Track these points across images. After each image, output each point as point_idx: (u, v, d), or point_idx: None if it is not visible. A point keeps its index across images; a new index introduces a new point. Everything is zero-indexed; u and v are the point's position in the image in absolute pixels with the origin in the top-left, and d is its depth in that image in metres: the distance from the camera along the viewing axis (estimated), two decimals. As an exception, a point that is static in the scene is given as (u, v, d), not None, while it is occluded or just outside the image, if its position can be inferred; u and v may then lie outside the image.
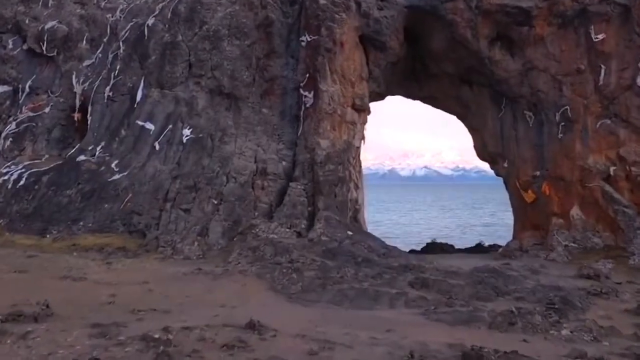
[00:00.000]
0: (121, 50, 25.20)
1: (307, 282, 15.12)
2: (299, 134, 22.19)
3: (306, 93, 22.19)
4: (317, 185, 21.07)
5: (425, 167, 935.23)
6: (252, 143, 22.26)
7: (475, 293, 14.30)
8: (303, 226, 20.08)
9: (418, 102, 26.54)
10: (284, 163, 21.93)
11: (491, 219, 69.14)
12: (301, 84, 22.41)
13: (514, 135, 23.16)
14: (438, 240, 43.88)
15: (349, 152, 22.47)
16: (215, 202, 20.46)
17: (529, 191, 22.51)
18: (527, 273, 16.72)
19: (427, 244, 29.70)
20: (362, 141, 23.88)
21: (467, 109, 24.86)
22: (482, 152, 24.76)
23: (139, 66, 24.47)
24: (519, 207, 23.14)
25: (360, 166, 25.88)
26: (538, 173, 22.33)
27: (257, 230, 19.58)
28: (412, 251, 29.03)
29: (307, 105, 22.11)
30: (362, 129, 23.53)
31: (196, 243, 18.91)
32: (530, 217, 22.60)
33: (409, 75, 25.03)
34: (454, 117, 26.10)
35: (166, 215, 20.39)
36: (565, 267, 18.83)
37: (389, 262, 17.11)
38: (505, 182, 24.18)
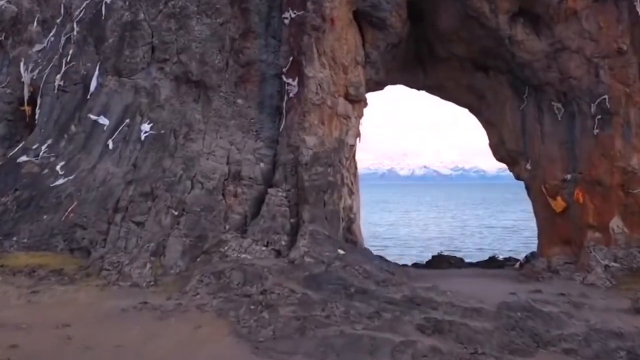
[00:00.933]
0: (75, 33, 21.32)
1: (282, 325, 11.32)
2: (280, 130, 18.38)
3: (289, 80, 18.37)
4: (302, 191, 17.27)
5: (425, 166, 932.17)
6: (224, 141, 18.42)
7: (509, 343, 10.50)
8: (283, 243, 16.26)
9: (422, 94, 22.70)
10: (262, 165, 18.10)
11: (492, 221, 65.95)
12: (284, 70, 18.59)
13: (538, 131, 19.36)
14: (443, 248, 40.46)
15: (342, 152, 18.66)
16: (176, 213, 16.61)
17: (558, 198, 18.68)
18: (570, 309, 12.88)
19: (433, 257, 25.90)
20: (358, 138, 20.07)
21: (481, 100, 21.03)
22: (500, 151, 20.94)
23: (94, 51, 20.59)
24: (545, 218, 19.32)
25: (356, 168, 22.14)
26: (569, 176, 18.51)
27: (227, 248, 15.75)
28: (415, 265, 25.35)
29: (291, 95, 18.28)
30: (358, 124, 19.71)
31: (148, 265, 15.09)
32: (559, 229, 18.78)
33: (412, 60, 21.20)
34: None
35: (115, 229, 16.54)
36: (611, 294, 15.03)
37: (390, 293, 13.29)
38: (527, 187, 20.36)
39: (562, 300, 14.07)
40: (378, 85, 21.03)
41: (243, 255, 15.42)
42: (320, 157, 17.62)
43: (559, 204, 18.69)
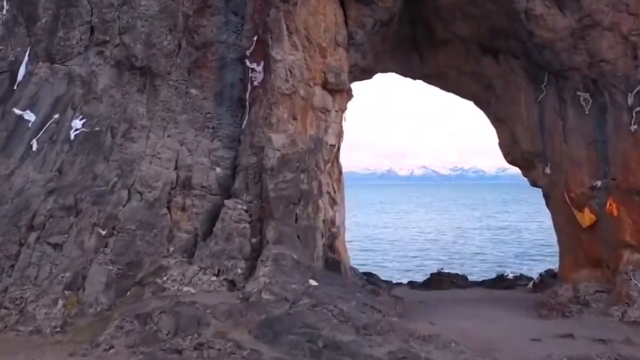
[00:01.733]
0: (4, 12, 17.70)
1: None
2: (243, 127, 14.84)
3: (253, 65, 14.82)
4: (267, 204, 13.73)
5: (424, 167, 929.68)
6: (173, 140, 14.86)
7: None
8: (240, 271, 12.74)
9: (419, 84, 19.09)
10: (218, 170, 14.54)
11: (489, 222, 62.93)
12: (247, 52, 15.04)
13: (560, 127, 15.82)
14: (442, 253, 36.94)
15: (319, 153, 15.12)
16: (103, 232, 13.03)
17: (586, 210, 15.12)
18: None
19: (432, 275, 22.35)
20: (340, 137, 16.54)
21: (489, 90, 17.48)
22: (512, 152, 17.40)
23: (25, 32, 16.96)
24: (569, 234, 15.78)
25: (340, 172, 18.60)
26: (599, 183, 14.97)
27: (165, 278, 12.22)
28: (412, 284, 21.86)
29: (255, 83, 14.74)
30: (340, 119, 16.15)
31: (60, 302, 11.58)
32: (587, 248, 15.26)
33: (406, 42, 17.61)
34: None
35: (27, 252, 12.94)
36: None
37: (372, 346, 9.72)
38: (545, 196, 16.81)
39: (603, 350, 10.55)
40: (365, 73, 17.44)
41: (185, 289, 11.90)
42: (290, 161, 14.07)
43: (586, 217, 15.12)
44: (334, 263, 16.82)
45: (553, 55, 15.24)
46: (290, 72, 14.42)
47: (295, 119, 14.54)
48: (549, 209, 16.89)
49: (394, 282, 23.24)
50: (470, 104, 18.73)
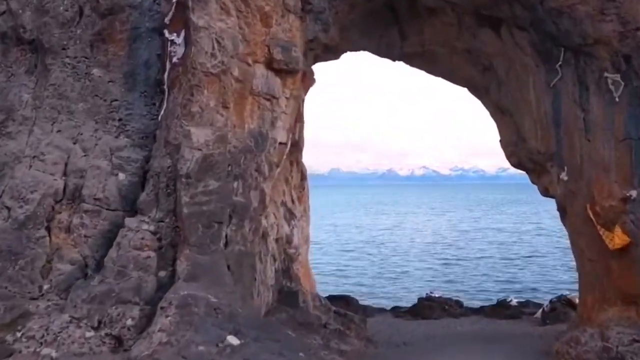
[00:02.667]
0: None
1: None
2: (160, 118, 11.07)
3: (173, 36, 11.04)
4: (181, 223, 9.96)
5: (424, 167, 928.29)
6: (64, 136, 11.09)
7: None
8: (130, 323, 8.95)
9: (399, 66, 15.20)
10: (121, 176, 10.79)
11: (484, 223, 59.81)
12: (166, 20, 11.26)
13: (581, 120, 12.08)
14: (437, 261, 33.26)
15: (261, 154, 11.36)
16: (-56, 264, 9.27)
17: (617, 229, 11.36)
18: None
19: (420, 300, 18.63)
20: (295, 132, 12.82)
21: (489, 74, 13.72)
22: (517, 151, 13.64)
23: None
24: (593, 260, 12.02)
25: (303, 178, 15.08)
26: (634, 193, 11.25)
27: (21, 334, 8.43)
28: (396, 311, 18.26)
29: (175, 60, 10.96)
30: (294, 109, 12.43)
31: None
32: (618, 279, 11.50)
33: (383, 12, 13.81)
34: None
35: None
36: None
37: None
38: (561, 209, 13.01)
39: None
40: (328, 51, 13.62)
41: (45, 351, 8.13)
42: (216, 164, 10.31)
43: (617, 239, 11.34)
44: (289, 295, 13.23)
45: (572, 24, 11.48)
46: (219, 43, 10.65)
47: (226, 107, 10.78)
48: (565, 225, 13.11)
49: (375, 307, 19.57)
50: (464, 93, 14.97)
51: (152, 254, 9.75)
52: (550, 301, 17.17)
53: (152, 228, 9.99)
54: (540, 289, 24.64)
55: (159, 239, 9.98)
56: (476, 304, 22.21)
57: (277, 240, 13.40)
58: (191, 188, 9.93)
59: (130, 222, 10.00)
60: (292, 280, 13.67)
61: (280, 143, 12.12)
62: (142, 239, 9.73)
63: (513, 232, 54.46)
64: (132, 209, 10.44)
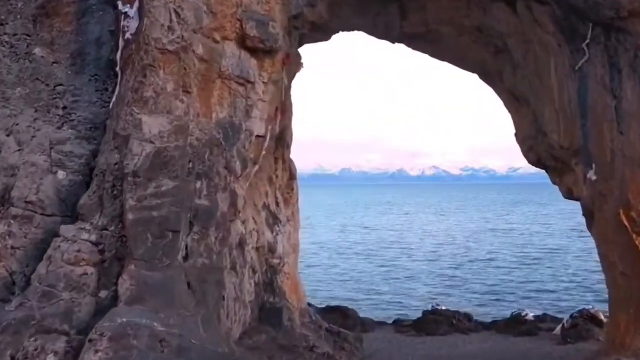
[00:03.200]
0: None
1: None
2: (111, 105, 9.28)
3: (127, 8, 9.25)
4: (126, 233, 8.16)
5: (434, 167, 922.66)
6: (-5, 127, 9.33)
7: None
8: (52, 359, 7.13)
9: (399, 48, 13.29)
10: (61, 175, 9.00)
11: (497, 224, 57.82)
12: (119, -10, 9.49)
13: (612, 110, 10.21)
14: (444, 265, 31.37)
15: (232, 148, 9.58)
16: None
17: (657, 238, 9.47)
18: None
19: (426, 313, 16.78)
20: (277, 126, 11.01)
21: (503, 56, 11.85)
22: (536, 146, 11.75)
23: None
24: (627, 274, 10.13)
25: (292, 178, 13.33)
26: (679, 196, 9.32)
27: None
28: (398, 325, 16.53)
29: (128, 36, 9.17)
30: (274, 97, 10.62)
31: None
32: (658, 299, 9.58)
33: (380, -14, 11.96)
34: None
35: None
36: None
37: None
38: (587, 214, 11.10)
39: None
40: (317, 31, 11.79)
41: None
42: (171, 160, 8.50)
43: (658, 250, 9.48)
44: (272, 312, 11.49)
45: (603, -6, 9.61)
46: (178, 15, 8.87)
47: (187, 92, 8.99)
48: (591, 233, 11.20)
49: (376, 320, 17.73)
50: (475, 79, 13.07)
51: (91, 270, 7.97)
52: (571, 316, 15.33)
53: (93, 238, 8.21)
54: (557, 298, 22.65)
55: (102, 252, 8.19)
56: (486, 312, 20.40)
57: (257, 249, 11.65)
58: (139, 189, 8.13)
59: (66, 230, 8.23)
60: (275, 295, 11.93)
61: (257, 136, 10.33)
62: (79, 251, 7.95)
63: (524, 233, 52.42)
64: (73, 215, 8.66)
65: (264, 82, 10.20)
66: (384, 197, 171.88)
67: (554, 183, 11.95)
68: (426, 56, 13.28)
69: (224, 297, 9.30)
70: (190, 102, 9.01)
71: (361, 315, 18.08)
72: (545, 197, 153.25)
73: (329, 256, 38.17)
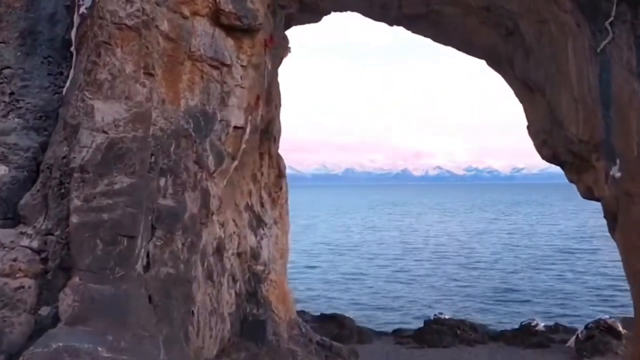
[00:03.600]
0: None
1: None
2: (64, 91, 8.03)
3: (81, -20, 8.01)
4: (70, 238, 6.92)
5: (438, 167, 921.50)
6: None
7: None
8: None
9: (397, 30, 12.04)
10: (2, 171, 7.77)
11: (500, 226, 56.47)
12: (75, -41, 8.25)
13: (639, 96, 8.89)
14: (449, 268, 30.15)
15: (204, 141, 8.33)
16: None
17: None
18: None
19: (427, 322, 15.51)
20: (257, 116, 9.74)
21: (513, 39, 10.55)
22: (551, 139, 10.46)
23: None
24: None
25: (280, 176, 12.13)
26: None
27: None
28: (397, 334, 15.25)
29: (83, 11, 7.93)
30: (254, 83, 9.36)
31: None
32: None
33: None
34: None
35: None
36: None
37: None
38: (609, 216, 9.79)
39: None
40: (306, 10, 10.52)
41: None
42: (127, 152, 7.25)
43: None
44: (255, 325, 10.28)
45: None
46: (138, -14, 7.62)
47: (150, 74, 7.74)
48: (614, 237, 9.90)
49: (374, 330, 16.49)
50: (482, 66, 11.78)
51: (29, 282, 6.75)
52: (586, 327, 14.08)
53: (34, 244, 6.99)
54: (571, 306, 21.34)
55: (44, 260, 6.97)
56: (491, 318, 19.13)
57: (238, 255, 10.45)
58: (87, 187, 6.89)
59: (4, 235, 6.99)
60: (259, 306, 10.75)
61: (235, 127, 9.09)
62: (15, 260, 6.73)
63: (529, 234, 51.13)
64: (16, 217, 7.43)
65: (242, 66, 8.96)
66: (387, 197, 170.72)
67: (571, 181, 10.66)
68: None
69: (192, 311, 8.05)
70: (154, 86, 7.77)
71: (359, 323, 16.87)
72: (549, 197, 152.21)
73: (332, 258, 36.95)
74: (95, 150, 7.01)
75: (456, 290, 25.71)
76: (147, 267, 7.41)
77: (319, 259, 36.09)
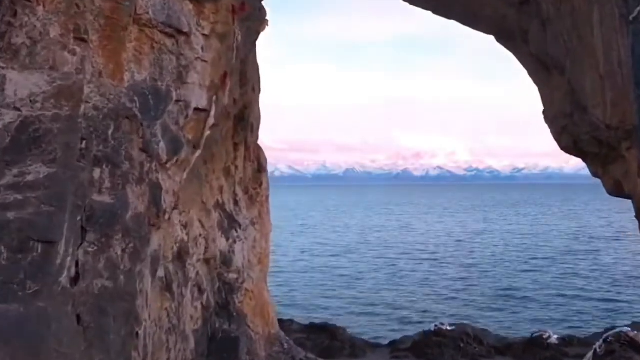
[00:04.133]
0: None
1: None
2: (-17, 63, 6.48)
3: None
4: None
5: (439, 167, 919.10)
6: None
7: None
8: None
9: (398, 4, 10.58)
10: None
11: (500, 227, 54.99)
12: None
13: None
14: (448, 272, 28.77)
15: (153, 123, 6.80)
16: None
17: None
18: None
19: (427, 333, 14.06)
20: (225, 97, 8.21)
21: (528, 10, 9.03)
22: (572, 126, 8.94)
23: None
24: None
25: (261, 170, 10.68)
26: None
27: None
28: (394, 346, 13.88)
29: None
30: (219, 57, 7.84)
31: None
32: None
33: None
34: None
35: None
36: None
37: None
38: (642, 215, 8.29)
39: None
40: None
41: None
42: (45, 135, 5.73)
43: None
44: (225, 343, 8.77)
45: None
46: None
47: (82, 40, 6.22)
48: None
49: (369, 341, 15.03)
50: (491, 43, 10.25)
51: None
52: (605, 340, 12.54)
53: None
54: (577, 312, 19.81)
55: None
56: (497, 326, 17.64)
57: (206, 261, 8.93)
58: (-11, 177, 5.36)
59: None
60: (231, 321, 9.24)
61: (197, 109, 7.57)
62: None
63: (532, 234, 49.73)
64: None
65: (204, 35, 7.45)
66: (387, 197, 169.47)
67: (595, 175, 9.15)
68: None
69: (137, 333, 6.54)
70: (87, 54, 6.25)
71: (352, 333, 15.42)
72: (550, 197, 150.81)
73: (325, 261, 35.40)
74: (2, 132, 5.50)
75: (457, 295, 24.25)
76: (75, 280, 5.90)
77: (312, 262, 34.64)
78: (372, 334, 16.91)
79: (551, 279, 27.73)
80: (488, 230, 55.32)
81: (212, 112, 7.84)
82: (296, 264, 33.02)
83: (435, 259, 35.41)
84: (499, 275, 29.07)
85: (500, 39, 9.84)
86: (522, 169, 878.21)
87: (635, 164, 8.08)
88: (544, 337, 13.59)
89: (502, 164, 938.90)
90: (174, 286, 7.96)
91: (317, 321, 16.02)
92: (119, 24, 6.55)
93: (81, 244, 5.98)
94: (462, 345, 13.39)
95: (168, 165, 7.13)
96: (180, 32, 7.14)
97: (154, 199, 6.80)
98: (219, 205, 9.37)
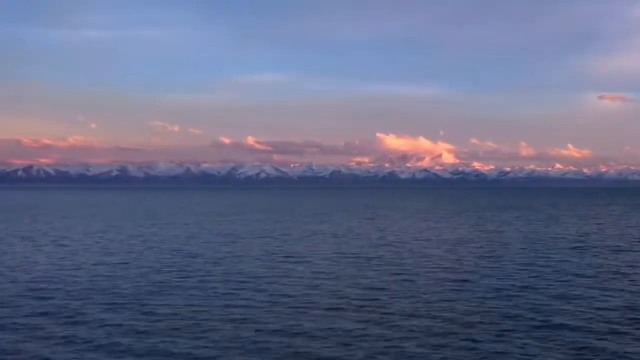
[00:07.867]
0: None
1: None
2: None
3: None
4: None
5: (425, 170, 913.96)
6: None
7: None
8: None
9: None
10: None
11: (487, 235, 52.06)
12: None
13: None
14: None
15: None
16: None
17: None
18: None
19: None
20: None
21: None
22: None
23: None
24: None
25: None
26: None
27: None
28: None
29: None
30: None
31: None
32: None
33: None
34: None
35: None
36: None
37: None
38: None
39: None
40: None
41: None
42: None
43: None
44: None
45: None
46: None
47: None
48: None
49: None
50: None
51: None
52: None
53: None
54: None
55: None
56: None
57: None
58: None
59: None
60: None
61: None
62: None
63: (519, 241, 46.94)
64: None
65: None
66: (373, 200, 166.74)
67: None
68: None
69: None
70: None
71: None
72: (535, 201, 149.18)
73: (311, 269, 32.21)
74: None
75: (447, 324, 21.21)
76: None
77: (293, 275, 31.34)
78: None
79: (543, 294, 24.93)
80: (470, 236, 52.49)
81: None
82: (247, 280, 29.82)
83: (419, 272, 32.35)
84: (483, 291, 26.15)
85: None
86: (508, 173, 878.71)
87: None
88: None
89: (488, 167, 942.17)
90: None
91: None
92: None
93: None
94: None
95: None
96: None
97: None
98: None
